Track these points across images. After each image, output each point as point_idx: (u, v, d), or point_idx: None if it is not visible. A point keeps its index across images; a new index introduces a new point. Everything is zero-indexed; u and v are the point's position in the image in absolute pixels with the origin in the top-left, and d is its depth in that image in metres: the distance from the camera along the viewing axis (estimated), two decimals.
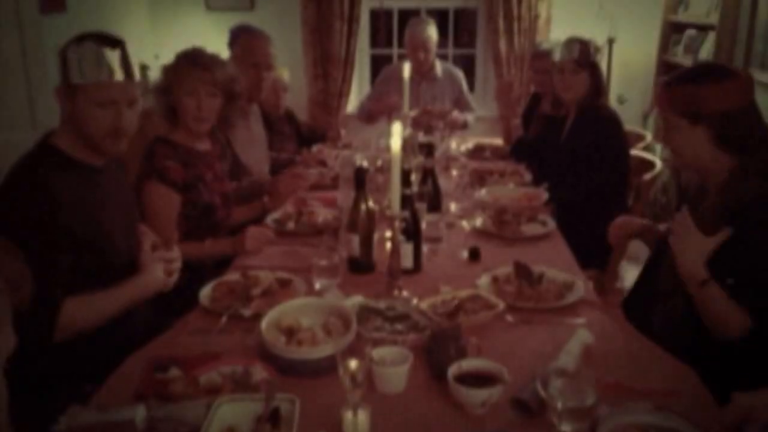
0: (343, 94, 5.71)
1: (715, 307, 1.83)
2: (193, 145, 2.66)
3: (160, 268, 2.00)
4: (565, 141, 3.42)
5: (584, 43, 3.31)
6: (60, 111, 1.93)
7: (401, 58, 5.21)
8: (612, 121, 3.29)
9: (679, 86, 1.97)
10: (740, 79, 1.93)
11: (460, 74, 4.62)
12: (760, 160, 1.90)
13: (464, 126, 4.43)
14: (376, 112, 4.40)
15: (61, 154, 1.90)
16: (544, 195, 3.06)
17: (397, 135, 1.91)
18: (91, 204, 1.92)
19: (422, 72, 4.44)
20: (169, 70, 2.63)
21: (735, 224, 1.83)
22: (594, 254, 2.27)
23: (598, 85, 3.34)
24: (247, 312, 1.94)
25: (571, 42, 3.33)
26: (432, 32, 4.42)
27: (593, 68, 3.33)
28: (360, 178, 2.30)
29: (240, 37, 3.46)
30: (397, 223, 2.03)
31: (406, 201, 2.19)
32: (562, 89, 3.38)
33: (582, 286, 2.14)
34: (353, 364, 1.37)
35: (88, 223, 1.88)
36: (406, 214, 2.16)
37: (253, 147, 3.41)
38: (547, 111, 3.76)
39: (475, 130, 4.64)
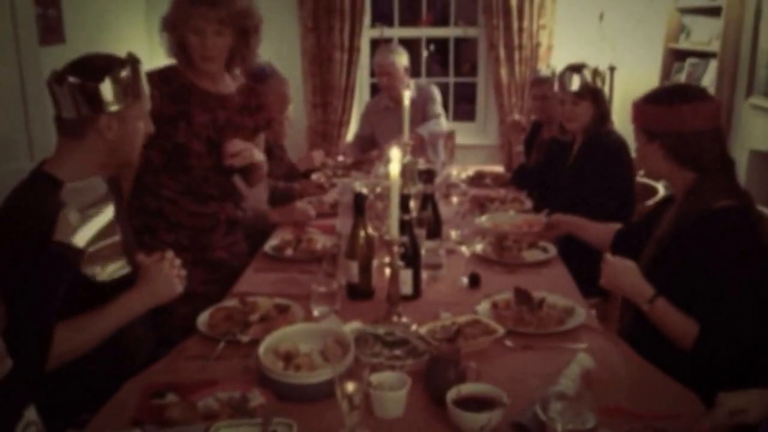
0: (343, 123, 5.73)
1: (668, 319, 2.00)
2: (202, 84, 2.60)
3: (170, 273, 1.95)
4: (572, 167, 3.39)
5: (582, 73, 3.27)
6: (62, 142, 1.92)
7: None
8: (619, 146, 3.25)
9: (641, 104, 2.17)
10: (701, 103, 2.08)
11: (430, 88, 4.61)
12: (716, 181, 2.04)
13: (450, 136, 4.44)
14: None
15: (56, 180, 1.89)
16: (544, 221, 3.05)
17: (395, 160, 1.91)
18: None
19: (395, 98, 4.44)
20: (174, 5, 2.52)
21: (683, 238, 2.02)
22: (597, 281, 2.29)
23: (602, 111, 3.31)
24: (245, 338, 1.93)
25: (569, 73, 3.30)
26: (395, 58, 4.44)
27: (596, 95, 3.29)
28: (359, 204, 2.30)
29: (273, 77, 3.43)
30: (395, 249, 2.02)
31: (405, 226, 2.19)
32: (565, 120, 3.36)
33: (583, 312, 2.13)
34: (350, 386, 1.37)
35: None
36: (405, 239, 2.15)
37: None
38: (550, 135, 3.75)
39: (476, 158, 4.67)
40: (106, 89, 1.84)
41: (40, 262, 1.69)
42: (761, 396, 1.52)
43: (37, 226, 1.73)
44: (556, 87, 3.39)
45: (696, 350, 1.92)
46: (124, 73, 1.87)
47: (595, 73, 3.30)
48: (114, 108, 1.86)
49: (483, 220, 3.13)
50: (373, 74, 6.03)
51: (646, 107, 2.15)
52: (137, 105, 1.94)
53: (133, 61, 1.92)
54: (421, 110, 4.47)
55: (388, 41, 5.72)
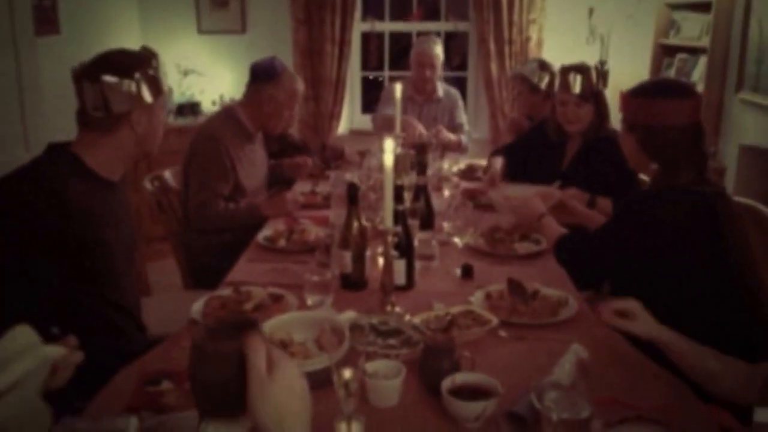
0: (334, 116, 5.72)
1: (551, 231, 2.63)
2: None
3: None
4: (572, 168, 3.34)
5: (587, 74, 3.20)
6: (88, 136, 1.95)
7: (392, 80, 5.24)
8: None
9: (625, 95, 2.27)
10: (678, 100, 2.16)
11: (457, 94, 4.68)
12: (682, 175, 2.15)
13: (458, 147, 4.45)
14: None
15: (83, 164, 1.92)
16: (557, 192, 2.99)
17: (389, 150, 1.91)
18: (101, 216, 1.93)
19: (426, 92, 4.47)
20: None
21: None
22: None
23: (603, 112, 3.28)
24: None
25: (573, 74, 3.21)
26: (438, 50, 4.48)
27: (598, 96, 3.25)
28: (352, 194, 2.30)
29: (284, 74, 3.40)
30: (389, 238, 2.02)
31: (399, 217, 2.19)
32: (566, 122, 3.30)
33: (576, 303, 2.14)
34: (347, 373, 1.37)
35: (95, 233, 1.88)
36: (399, 229, 2.16)
37: (254, 170, 3.42)
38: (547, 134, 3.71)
39: (468, 152, 4.65)
40: (142, 85, 1.91)
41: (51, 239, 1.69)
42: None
43: (56, 203, 1.75)
44: (557, 87, 3.35)
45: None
46: (152, 68, 1.92)
47: (598, 73, 3.25)
48: (146, 102, 1.94)
49: (493, 194, 3.19)
50: (364, 67, 6.06)
51: (629, 98, 2.25)
52: (161, 97, 2.01)
53: (155, 56, 1.97)
54: (449, 112, 4.55)
55: (379, 35, 5.73)
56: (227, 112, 3.41)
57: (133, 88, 1.90)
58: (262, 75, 3.32)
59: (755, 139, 4.57)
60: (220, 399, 0.94)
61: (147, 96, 1.93)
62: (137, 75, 1.90)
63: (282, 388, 0.92)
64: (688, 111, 2.16)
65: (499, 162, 3.67)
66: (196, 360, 0.94)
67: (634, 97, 2.24)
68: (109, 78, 1.85)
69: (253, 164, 3.42)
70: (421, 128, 4.21)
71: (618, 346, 1.91)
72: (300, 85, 3.42)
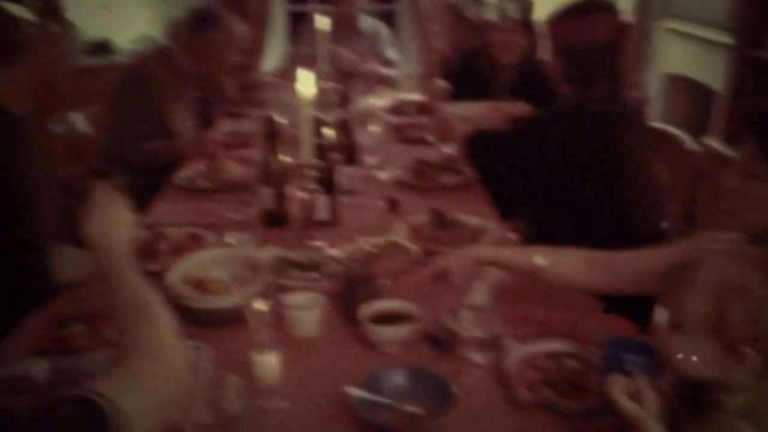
0: (258, 53, 5.56)
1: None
2: None
3: None
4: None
5: (522, 1, 3.21)
6: None
7: (318, 14, 5.11)
8: None
9: (550, 21, 2.25)
10: (600, 16, 2.17)
11: (383, 27, 4.57)
12: (598, 93, 2.16)
13: (391, 82, 4.39)
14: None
15: None
16: (507, 107, 2.98)
17: (305, 81, 1.87)
18: (8, 149, 1.87)
19: (346, 25, 4.38)
20: None
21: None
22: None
23: (533, 42, 3.26)
24: (155, 267, 1.89)
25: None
26: None
27: (528, 25, 3.26)
28: (270, 129, 2.25)
29: (225, 18, 3.27)
30: (309, 172, 1.99)
31: (320, 151, 2.16)
32: (500, 51, 3.29)
33: (497, 229, 2.15)
34: (259, 304, 1.35)
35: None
36: (320, 163, 2.12)
37: (184, 116, 3.33)
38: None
39: (398, 87, 4.59)
40: (37, 12, 1.83)
41: None
42: None
43: None
44: (492, 15, 3.33)
45: None
46: None
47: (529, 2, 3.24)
48: (43, 30, 1.86)
49: (457, 108, 3.07)
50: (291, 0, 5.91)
51: (553, 23, 2.24)
52: (59, 25, 1.93)
53: None
54: (373, 45, 4.42)
55: None
56: (161, 55, 3.29)
57: (27, 15, 1.80)
58: (202, 20, 3.23)
59: (680, 67, 4.64)
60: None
61: (42, 24, 1.84)
62: (30, 1, 1.80)
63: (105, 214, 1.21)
64: (608, 26, 2.17)
65: (441, 82, 3.61)
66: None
67: (557, 20, 2.23)
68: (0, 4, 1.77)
69: (184, 110, 3.33)
70: (351, 56, 4.14)
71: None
72: (242, 29, 3.33)
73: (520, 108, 2.94)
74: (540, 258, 1.66)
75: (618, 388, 1.11)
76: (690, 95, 4.69)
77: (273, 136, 2.26)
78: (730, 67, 3.90)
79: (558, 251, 1.69)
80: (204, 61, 3.24)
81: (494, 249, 1.80)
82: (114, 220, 1.21)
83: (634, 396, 1.09)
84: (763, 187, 1.18)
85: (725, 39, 4.05)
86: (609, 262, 1.63)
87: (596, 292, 1.70)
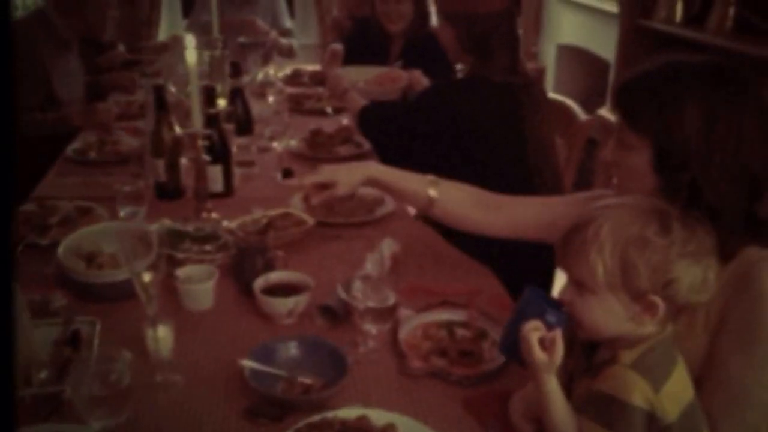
0: (152, 22, 5.39)
1: (355, 104, 2.56)
2: None
3: None
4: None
5: None
6: None
7: None
8: None
9: None
10: None
11: None
12: (494, 66, 2.19)
13: (290, 52, 4.33)
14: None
15: None
16: (404, 74, 3.00)
17: (191, 46, 1.83)
18: None
19: None
20: None
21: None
22: None
23: (423, 10, 3.27)
24: (44, 241, 1.83)
25: None
26: None
27: None
28: (159, 98, 2.19)
29: None
30: (200, 142, 1.97)
31: (212, 120, 2.13)
32: (387, 20, 3.28)
33: (392, 202, 2.18)
34: (146, 276, 1.34)
35: None
36: (211, 133, 2.09)
37: (70, 80, 3.20)
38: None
39: (296, 57, 4.54)
40: None
41: None
42: None
43: None
44: None
45: None
46: None
47: None
48: None
49: (343, 71, 3.03)
50: None
51: None
52: None
53: None
54: (270, 15, 4.30)
55: None
56: (38, 16, 3.15)
57: None
58: None
59: (572, 38, 4.75)
60: None
61: None
62: None
63: None
64: None
65: (339, 45, 3.58)
66: None
67: None
68: None
69: (69, 74, 3.21)
70: (264, 26, 4.06)
71: (429, 239, 1.99)
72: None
73: (415, 76, 2.97)
74: (432, 189, 1.67)
75: (535, 335, 1.09)
76: (585, 66, 4.82)
77: (161, 104, 2.21)
78: (618, 37, 4.00)
79: (452, 185, 1.70)
80: (83, 20, 3.13)
81: (386, 169, 1.77)
82: None
83: (545, 347, 1.09)
84: (634, 156, 1.23)
85: (614, 9, 4.12)
86: (502, 204, 1.67)
87: (488, 233, 1.69)
